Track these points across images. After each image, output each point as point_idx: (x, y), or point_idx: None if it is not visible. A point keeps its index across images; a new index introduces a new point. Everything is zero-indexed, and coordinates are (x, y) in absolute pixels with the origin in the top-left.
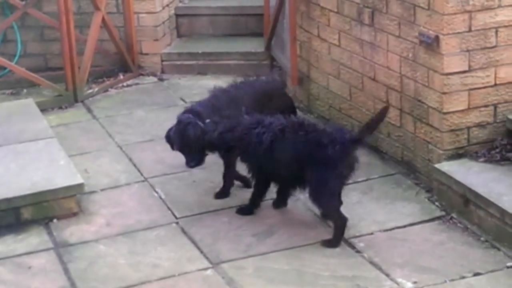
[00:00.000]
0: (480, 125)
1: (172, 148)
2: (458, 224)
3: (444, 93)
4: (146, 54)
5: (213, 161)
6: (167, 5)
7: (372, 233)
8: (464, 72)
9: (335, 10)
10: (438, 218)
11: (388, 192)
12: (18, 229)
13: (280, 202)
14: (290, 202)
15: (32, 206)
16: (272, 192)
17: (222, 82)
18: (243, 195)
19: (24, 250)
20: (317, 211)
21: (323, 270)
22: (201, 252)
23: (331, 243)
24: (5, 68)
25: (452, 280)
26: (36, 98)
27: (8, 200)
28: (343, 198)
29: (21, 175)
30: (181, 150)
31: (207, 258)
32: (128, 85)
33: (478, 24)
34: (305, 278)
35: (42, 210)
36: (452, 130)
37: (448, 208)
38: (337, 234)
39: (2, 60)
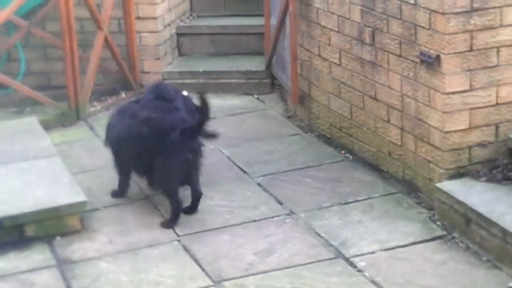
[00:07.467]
0: (481, 145)
1: None
2: (460, 244)
3: (445, 112)
4: (148, 72)
5: (214, 180)
6: (169, 25)
7: (373, 252)
8: (466, 91)
9: (336, 29)
10: (440, 237)
11: (389, 211)
12: (22, 246)
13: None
14: (291, 220)
15: (35, 223)
16: (272, 209)
17: (223, 100)
18: (244, 212)
19: (27, 267)
20: (319, 229)
21: None
22: (203, 270)
23: (167, 224)
24: (9, 87)
25: None
26: (40, 116)
27: (11, 217)
28: (343, 216)
29: (24, 193)
30: None
31: (208, 276)
32: None
33: (480, 43)
34: None
35: (45, 227)
36: (453, 149)
37: (450, 227)
38: (173, 216)
39: (6, 79)
